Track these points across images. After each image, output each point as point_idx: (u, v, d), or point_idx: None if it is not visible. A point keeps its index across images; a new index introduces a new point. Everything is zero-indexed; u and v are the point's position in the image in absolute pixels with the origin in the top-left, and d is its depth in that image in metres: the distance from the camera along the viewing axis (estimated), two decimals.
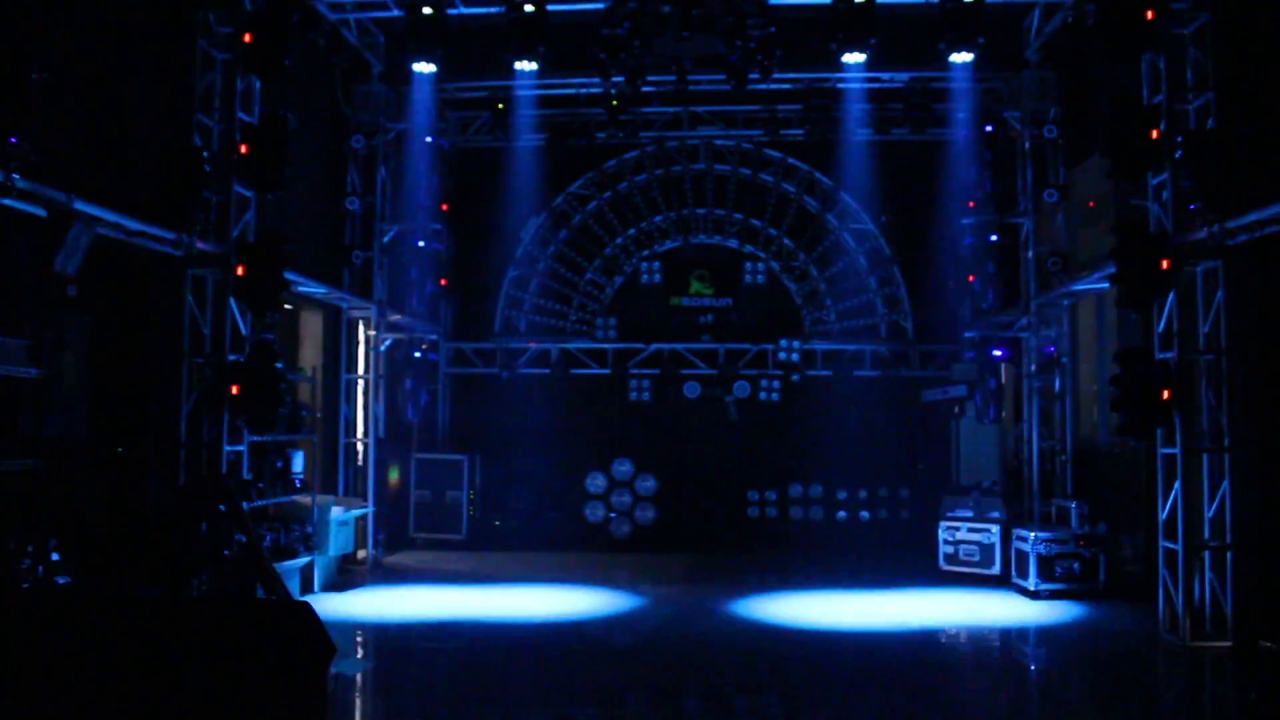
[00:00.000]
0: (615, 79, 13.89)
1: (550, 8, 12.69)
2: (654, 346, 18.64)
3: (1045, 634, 11.65)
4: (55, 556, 8.71)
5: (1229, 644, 10.10)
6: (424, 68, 14.00)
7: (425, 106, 16.60)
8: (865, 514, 17.86)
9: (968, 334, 16.76)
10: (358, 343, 16.51)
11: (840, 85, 16.17)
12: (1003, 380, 15.82)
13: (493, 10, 13.22)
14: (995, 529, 14.14)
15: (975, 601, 13.03)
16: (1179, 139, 10.55)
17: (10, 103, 8.00)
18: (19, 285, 9.29)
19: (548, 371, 18.55)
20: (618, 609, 12.64)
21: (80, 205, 9.13)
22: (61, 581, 8.66)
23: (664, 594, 13.54)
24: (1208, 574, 10.49)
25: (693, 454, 18.59)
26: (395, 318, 16.70)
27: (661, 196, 19.08)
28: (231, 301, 11.71)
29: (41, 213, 8.88)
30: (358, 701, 8.99)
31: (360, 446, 16.10)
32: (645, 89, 14.97)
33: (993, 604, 12.87)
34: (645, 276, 19.02)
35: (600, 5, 13.00)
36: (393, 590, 13.60)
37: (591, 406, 18.63)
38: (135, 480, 11.17)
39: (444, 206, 17.96)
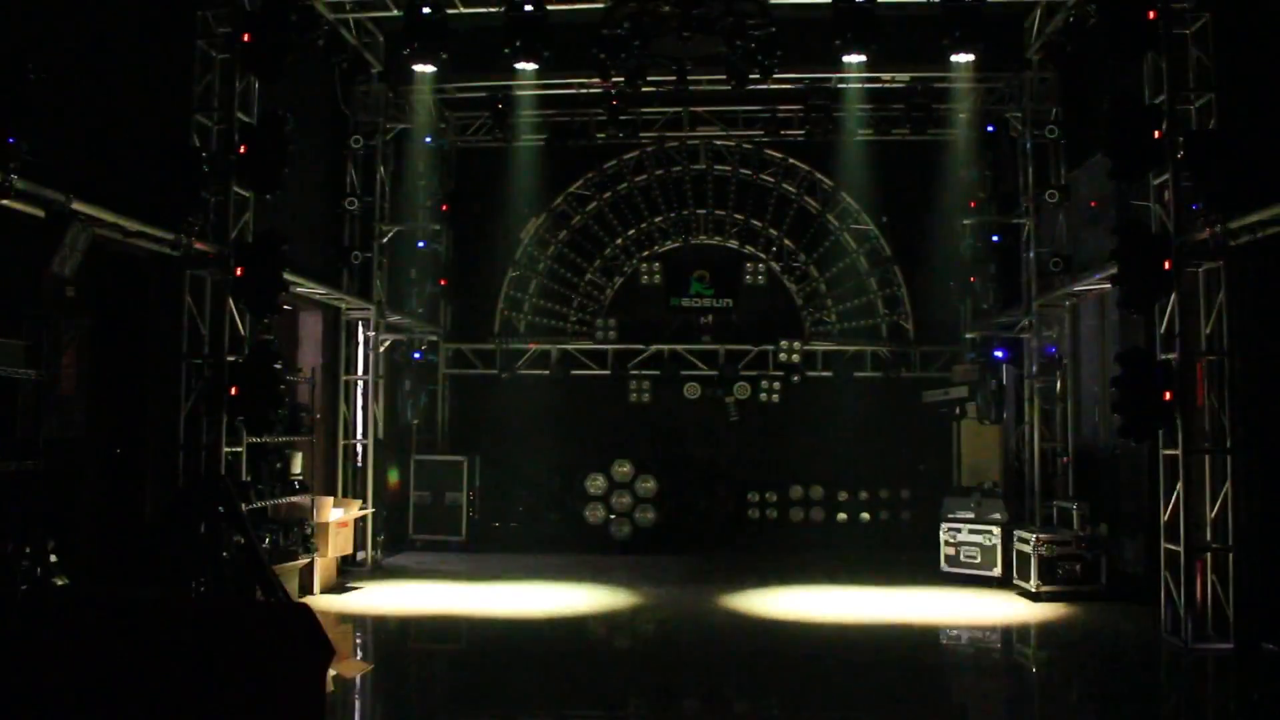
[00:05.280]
0: (615, 79, 13.85)
1: (550, 8, 12.66)
2: (654, 347, 18.62)
3: (1046, 635, 11.63)
4: (53, 558, 8.68)
5: (1231, 646, 10.08)
6: (423, 68, 13.96)
7: (425, 106, 16.61)
8: (866, 515, 17.85)
9: (969, 335, 16.75)
10: (357, 343, 16.46)
11: (840, 85, 16.13)
12: (1004, 381, 15.78)
13: (493, 10, 13.19)
14: (996, 530, 14.11)
15: (976, 603, 13.00)
16: (1181, 139, 10.51)
17: (7, 103, 7.95)
18: (17, 286, 9.25)
19: (547, 373, 18.53)
20: (618, 610, 12.61)
21: (78, 206, 9.09)
22: (60, 583, 8.63)
23: (664, 595, 13.50)
24: (1209, 576, 10.45)
25: (693, 455, 18.58)
26: (394, 318, 16.67)
27: (661, 197, 19.05)
28: (230, 302, 11.68)
29: (39, 213, 8.85)
30: (357, 702, 8.96)
31: (359, 448, 16.06)
32: (645, 89, 14.94)
33: (994, 605, 12.84)
34: (645, 277, 18.98)
35: (600, 5, 12.97)
36: (392, 591, 13.56)
37: (591, 408, 18.59)
38: (134, 481, 11.13)
39: (443, 207, 17.94)
